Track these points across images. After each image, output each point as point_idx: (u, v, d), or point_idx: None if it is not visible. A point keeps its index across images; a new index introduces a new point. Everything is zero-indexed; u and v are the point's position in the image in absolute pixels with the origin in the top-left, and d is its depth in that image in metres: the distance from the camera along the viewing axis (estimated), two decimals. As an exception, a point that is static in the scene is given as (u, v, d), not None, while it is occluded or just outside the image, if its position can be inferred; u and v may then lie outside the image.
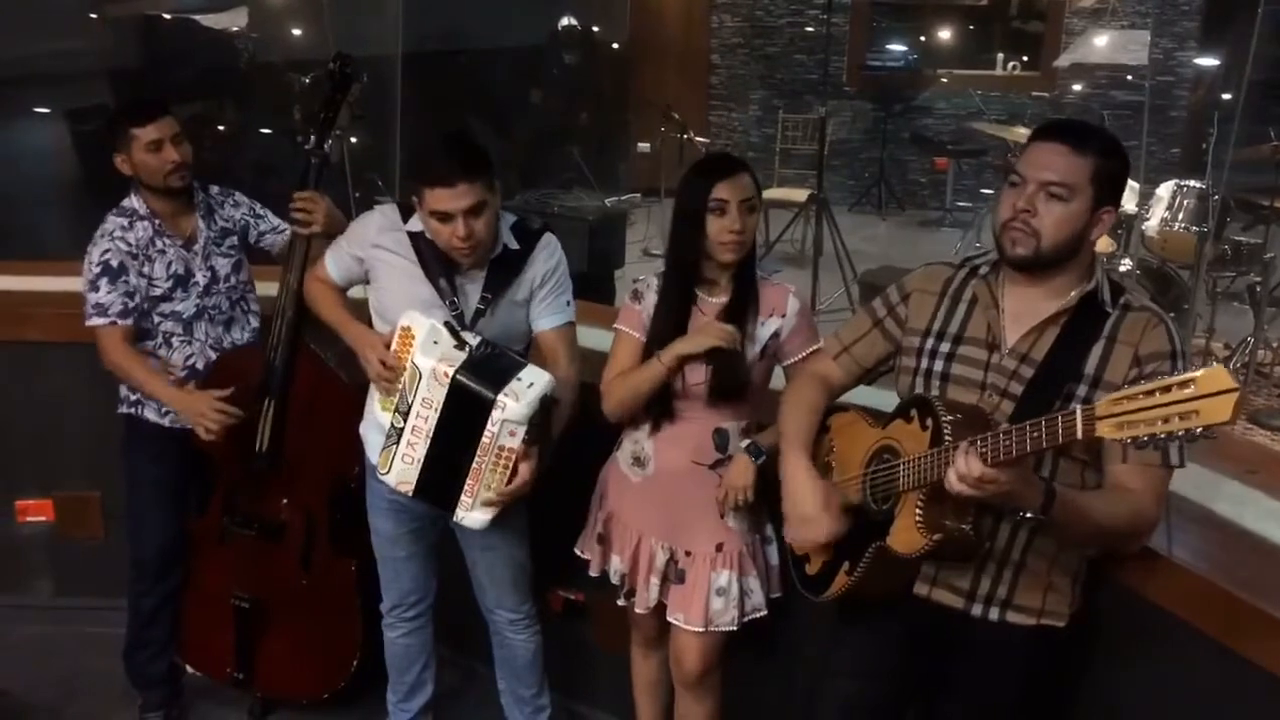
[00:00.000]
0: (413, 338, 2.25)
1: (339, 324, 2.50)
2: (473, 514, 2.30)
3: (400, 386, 2.29)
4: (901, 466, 1.86)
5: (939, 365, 1.96)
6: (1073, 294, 1.85)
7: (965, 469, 1.63)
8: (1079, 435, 1.53)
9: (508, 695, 2.83)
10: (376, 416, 2.39)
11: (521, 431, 2.20)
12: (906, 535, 1.84)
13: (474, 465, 2.24)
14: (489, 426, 2.19)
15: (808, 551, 2.09)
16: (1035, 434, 1.58)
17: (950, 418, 1.78)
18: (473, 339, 2.29)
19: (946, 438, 1.75)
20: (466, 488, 2.27)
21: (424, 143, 2.37)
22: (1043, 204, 1.80)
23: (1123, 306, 1.85)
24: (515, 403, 2.17)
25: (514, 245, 2.41)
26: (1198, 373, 1.39)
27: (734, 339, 2.24)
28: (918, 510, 1.81)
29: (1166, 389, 1.42)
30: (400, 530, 2.58)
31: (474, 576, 2.68)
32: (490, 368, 2.24)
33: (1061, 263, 1.84)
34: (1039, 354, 1.86)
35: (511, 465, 2.24)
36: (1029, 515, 1.73)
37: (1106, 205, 1.81)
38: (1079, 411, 1.52)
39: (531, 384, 2.20)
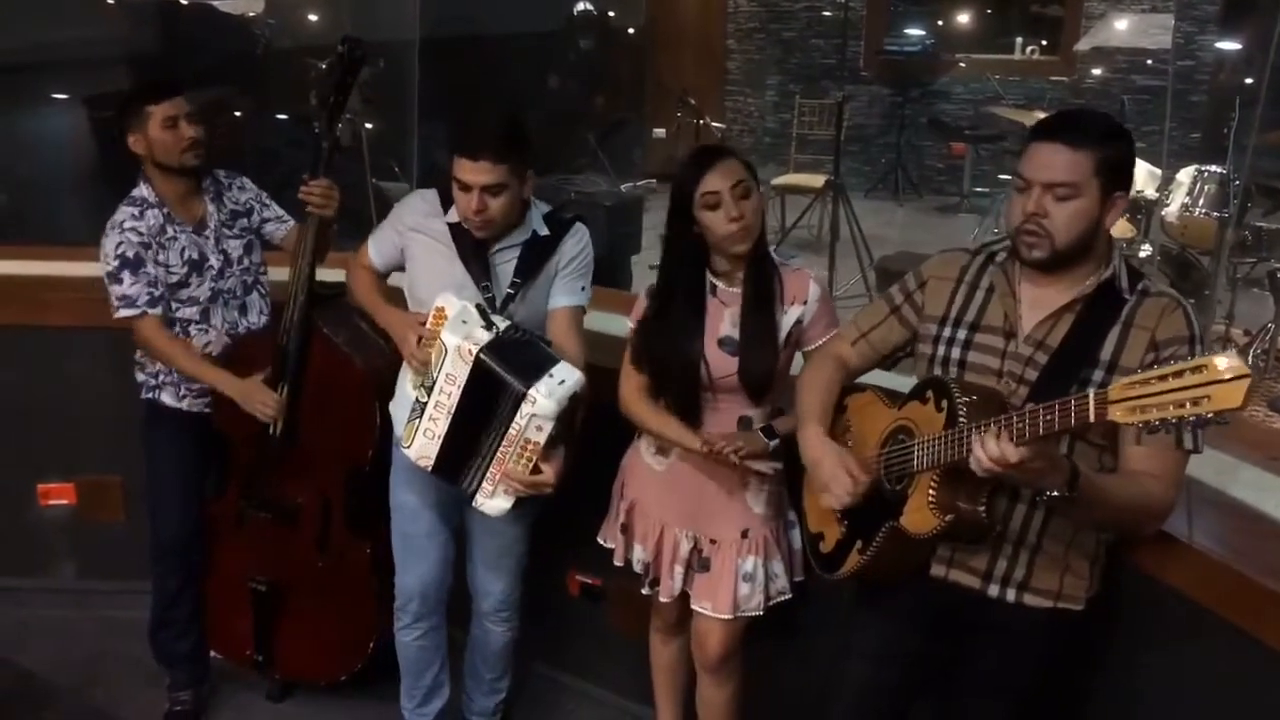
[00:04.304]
0: (445, 317, 2.29)
1: (374, 309, 2.55)
2: (493, 501, 2.33)
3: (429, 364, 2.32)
4: (916, 447, 1.86)
5: (956, 353, 1.96)
6: (1089, 281, 1.85)
7: (994, 449, 1.61)
8: (1091, 419, 1.52)
9: (469, 671, 2.90)
10: (406, 392, 2.42)
11: (549, 427, 2.22)
12: (919, 515, 1.85)
13: (498, 454, 2.27)
14: (517, 419, 2.22)
15: (839, 509, 2.05)
16: (1048, 417, 1.57)
17: (965, 399, 1.78)
18: (501, 322, 2.32)
19: (961, 419, 1.75)
20: (489, 475, 2.30)
21: (477, 113, 2.41)
22: (1051, 205, 1.79)
23: (1140, 292, 1.84)
24: (546, 399, 2.19)
25: (544, 232, 2.44)
26: (1210, 358, 1.39)
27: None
28: (930, 491, 1.82)
29: (1179, 374, 1.41)
30: (425, 502, 2.59)
31: (470, 556, 2.71)
32: (519, 355, 2.27)
33: (1080, 256, 1.84)
34: (1055, 340, 1.86)
35: (535, 458, 2.26)
36: (1054, 494, 1.69)
37: (1117, 191, 1.80)
38: (1091, 395, 1.51)
39: (563, 381, 2.23)
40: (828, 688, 2.19)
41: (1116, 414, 1.48)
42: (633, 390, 2.40)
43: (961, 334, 1.97)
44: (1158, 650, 2.08)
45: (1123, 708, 2.14)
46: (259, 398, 2.69)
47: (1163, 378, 1.43)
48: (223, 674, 3.15)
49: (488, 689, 2.90)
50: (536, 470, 2.27)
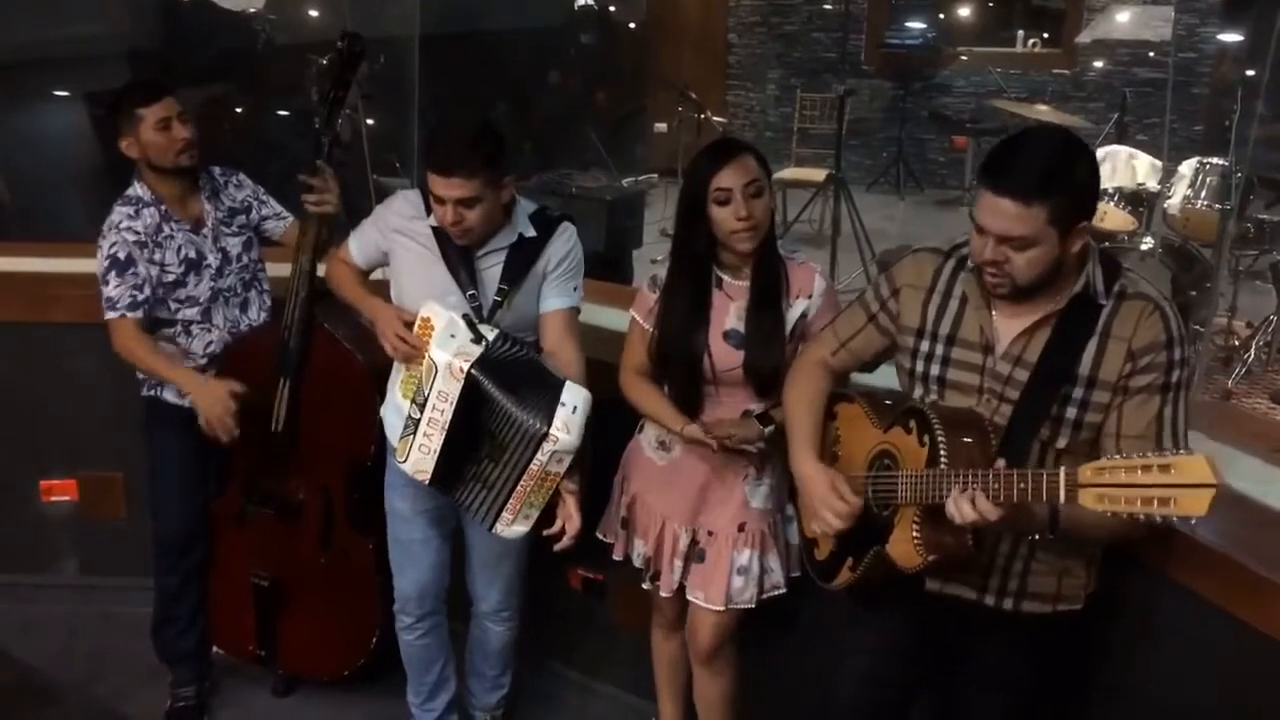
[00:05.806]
0: (431, 329, 2.28)
1: (358, 300, 2.52)
2: (512, 528, 2.33)
3: (418, 375, 2.30)
4: (900, 481, 1.85)
5: (935, 369, 1.94)
6: (1061, 297, 1.81)
7: (970, 511, 1.67)
8: (1062, 499, 1.58)
9: (471, 669, 2.90)
10: (396, 401, 2.41)
11: (569, 459, 2.22)
12: (904, 548, 1.84)
13: (518, 488, 2.26)
14: (538, 456, 2.21)
15: (830, 534, 2.08)
16: (1022, 485, 1.63)
17: (946, 440, 1.76)
18: (490, 332, 2.30)
19: (942, 462, 1.75)
20: (509, 506, 2.29)
21: (444, 124, 2.39)
22: (1010, 252, 1.74)
23: (1117, 295, 1.80)
24: (566, 435, 2.18)
25: (530, 233, 2.42)
26: (1178, 459, 1.41)
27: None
28: (914, 526, 1.81)
29: (1148, 468, 1.44)
30: (417, 509, 2.59)
31: (468, 561, 2.71)
32: (514, 373, 2.25)
33: (1050, 279, 1.79)
34: (1033, 356, 1.83)
35: (555, 487, 2.26)
36: (1037, 537, 1.77)
37: (1079, 223, 1.74)
38: (1063, 476, 1.57)
39: (575, 408, 2.21)
40: (826, 681, 2.19)
41: (1085, 499, 1.53)
42: (630, 371, 2.42)
43: (939, 349, 1.94)
44: (1159, 642, 2.08)
45: (1124, 700, 2.14)
46: (219, 411, 2.62)
47: (1132, 469, 1.46)
48: (226, 670, 3.16)
49: (490, 685, 2.91)
50: (557, 495, 2.27)
